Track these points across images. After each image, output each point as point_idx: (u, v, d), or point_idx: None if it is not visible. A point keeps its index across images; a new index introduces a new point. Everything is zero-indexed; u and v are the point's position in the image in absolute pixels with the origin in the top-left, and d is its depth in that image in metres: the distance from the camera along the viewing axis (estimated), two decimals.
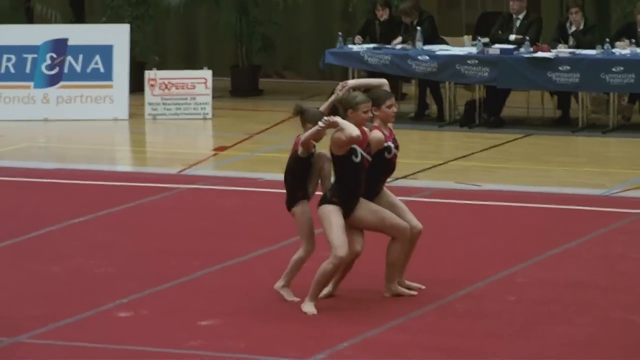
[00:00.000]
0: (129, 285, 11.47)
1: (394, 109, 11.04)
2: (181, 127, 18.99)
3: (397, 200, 11.16)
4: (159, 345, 10.13)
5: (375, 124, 10.96)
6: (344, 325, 10.47)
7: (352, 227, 10.84)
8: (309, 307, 10.78)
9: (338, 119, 10.69)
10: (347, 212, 10.80)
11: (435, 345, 10.08)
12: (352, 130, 10.56)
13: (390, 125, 11.11)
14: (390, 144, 11.02)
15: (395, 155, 11.09)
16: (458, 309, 10.87)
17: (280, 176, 15.54)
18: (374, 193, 11.03)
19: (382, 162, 10.98)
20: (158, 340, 10.22)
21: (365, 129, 10.80)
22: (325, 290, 11.02)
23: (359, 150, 10.71)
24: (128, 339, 10.24)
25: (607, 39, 18.13)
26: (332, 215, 10.76)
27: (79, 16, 22.44)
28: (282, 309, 10.84)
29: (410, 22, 19.09)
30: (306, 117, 11.01)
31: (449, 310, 10.84)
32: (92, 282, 11.68)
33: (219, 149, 17.66)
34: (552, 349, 9.99)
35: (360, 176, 10.82)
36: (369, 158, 10.80)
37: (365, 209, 10.88)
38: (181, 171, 16.17)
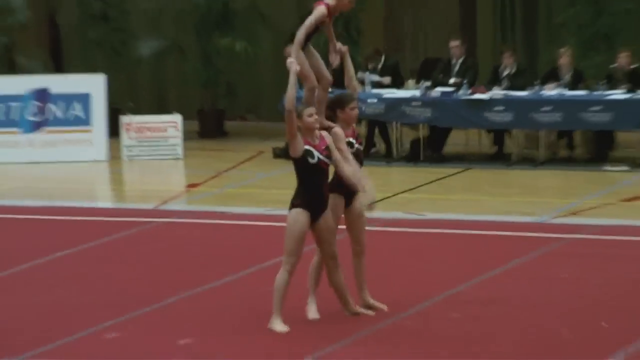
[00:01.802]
0: (111, 310, 11.45)
1: (356, 112, 10.88)
2: (155, 167, 19.03)
3: (364, 218, 11.05)
4: None
5: (337, 125, 10.76)
6: (307, 340, 10.49)
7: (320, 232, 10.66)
8: (277, 326, 10.69)
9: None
10: (314, 214, 10.57)
11: (387, 357, 10.12)
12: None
13: (353, 125, 10.94)
14: (352, 139, 10.86)
15: (359, 150, 10.90)
16: (408, 325, 10.90)
17: (246, 209, 15.64)
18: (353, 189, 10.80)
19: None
20: (142, 357, 10.23)
21: (324, 134, 10.57)
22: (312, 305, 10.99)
23: (315, 152, 10.49)
24: (115, 357, 10.27)
25: (536, 82, 18.32)
26: (294, 224, 10.52)
27: (58, 67, 22.44)
28: (252, 328, 10.84)
29: (373, 67, 19.17)
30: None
31: (401, 326, 10.87)
32: (77, 309, 11.64)
33: (191, 185, 17.70)
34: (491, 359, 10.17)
35: (319, 178, 10.57)
36: (327, 161, 10.54)
37: (329, 221, 10.68)
38: (157, 206, 16.19)
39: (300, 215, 10.57)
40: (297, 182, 10.67)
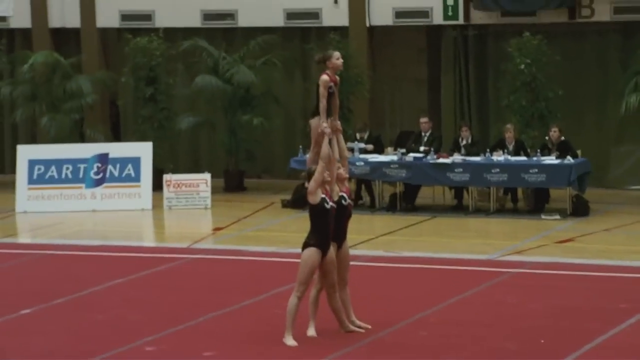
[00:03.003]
0: (153, 327, 11.35)
1: (342, 172, 10.76)
2: (189, 214, 18.81)
3: (349, 256, 10.93)
4: None
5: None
6: (308, 353, 10.35)
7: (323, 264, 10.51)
8: (289, 341, 10.53)
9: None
10: (324, 251, 10.45)
11: None
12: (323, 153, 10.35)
13: (347, 184, 10.85)
14: (345, 195, 10.71)
15: (350, 204, 10.77)
16: (386, 341, 10.79)
17: (261, 248, 15.56)
18: (342, 236, 10.71)
19: (342, 209, 10.67)
20: None
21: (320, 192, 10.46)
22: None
23: (328, 199, 10.42)
24: None
25: (487, 150, 18.21)
26: (308, 259, 10.35)
27: (116, 137, 22.38)
28: (266, 342, 10.70)
29: (361, 137, 19.09)
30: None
31: (381, 342, 10.76)
32: (126, 326, 11.56)
33: (216, 229, 17.51)
34: None
35: (331, 220, 10.46)
36: (335, 206, 10.50)
37: (332, 256, 10.54)
38: (189, 245, 16.00)
39: (315, 254, 10.45)
40: (311, 225, 10.52)
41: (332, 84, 10.79)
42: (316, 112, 10.82)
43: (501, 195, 18.45)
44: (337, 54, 10.88)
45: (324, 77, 10.76)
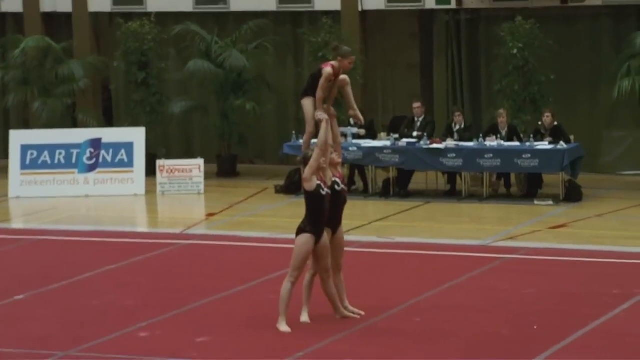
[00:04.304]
0: (146, 313, 11.35)
1: (334, 157, 10.77)
2: (182, 200, 18.78)
3: (343, 242, 10.93)
4: (168, 356, 10.03)
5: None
6: (301, 339, 10.36)
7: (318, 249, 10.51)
8: (282, 327, 10.53)
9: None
10: (318, 237, 10.46)
11: (366, 352, 10.03)
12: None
13: (340, 169, 10.86)
14: (338, 180, 10.72)
15: (343, 189, 10.77)
16: (380, 327, 10.80)
17: (254, 234, 15.57)
18: (337, 221, 10.71)
19: (336, 194, 10.67)
20: (168, 352, 10.12)
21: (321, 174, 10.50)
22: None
23: (323, 185, 10.43)
24: (146, 352, 10.14)
25: (480, 135, 18.20)
26: (303, 245, 10.37)
27: (109, 121, 22.33)
28: (258, 329, 10.70)
29: (354, 122, 18.96)
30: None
31: (374, 328, 10.76)
32: (120, 311, 11.56)
33: (210, 215, 17.48)
34: (447, 354, 9.96)
35: (326, 206, 10.46)
36: (330, 192, 10.51)
37: (325, 241, 10.54)
38: (182, 231, 15.97)
39: (309, 239, 10.45)
40: (306, 211, 10.50)
41: (332, 76, 10.84)
42: (307, 93, 10.85)
43: (494, 181, 18.43)
44: (353, 57, 10.93)
45: (328, 69, 10.79)
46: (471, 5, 20.18)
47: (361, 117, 11.21)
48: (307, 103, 10.86)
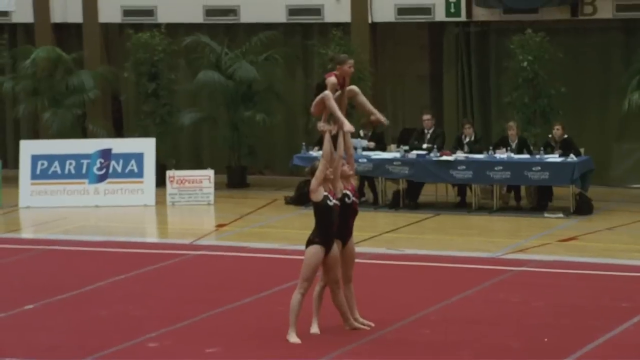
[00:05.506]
0: (156, 323, 11.35)
1: (346, 169, 10.76)
2: (192, 210, 18.82)
3: (354, 253, 10.91)
4: None
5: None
6: (311, 350, 10.35)
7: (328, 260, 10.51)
8: (292, 338, 10.52)
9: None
10: (328, 249, 10.45)
11: None
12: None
13: (352, 182, 10.88)
14: (349, 193, 10.72)
15: (354, 202, 10.77)
16: (390, 338, 10.79)
17: (263, 245, 15.57)
18: (347, 233, 10.72)
19: (346, 206, 10.69)
20: None
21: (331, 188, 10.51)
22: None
23: (331, 197, 10.42)
24: None
25: (490, 147, 18.21)
26: (312, 257, 10.37)
27: (119, 132, 22.39)
28: (268, 340, 10.70)
29: (365, 133, 19.07)
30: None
31: (384, 340, 10.76)
32: (130, 321, 11.57)
33: (219, 225, 17.52)
34: None
35: (334, 217, 10.47)
36: (338, 203, 10.49)
37: (335, 253, 10.53)
38: (192, 242, 16.00)
39: (318, 251, 10.45)
40: (315, 222, 10.49)
41: (338, 86, 10.83)
42: (318, 92, 10.81)
43: (504, 193, 18.44)
44: (351, 61, 10.88)
45: (332, 78, 10.78)
46: (481, 17, 20.21)
47: (383, 118, 11.12)
48: (321, 95, 10.78)
